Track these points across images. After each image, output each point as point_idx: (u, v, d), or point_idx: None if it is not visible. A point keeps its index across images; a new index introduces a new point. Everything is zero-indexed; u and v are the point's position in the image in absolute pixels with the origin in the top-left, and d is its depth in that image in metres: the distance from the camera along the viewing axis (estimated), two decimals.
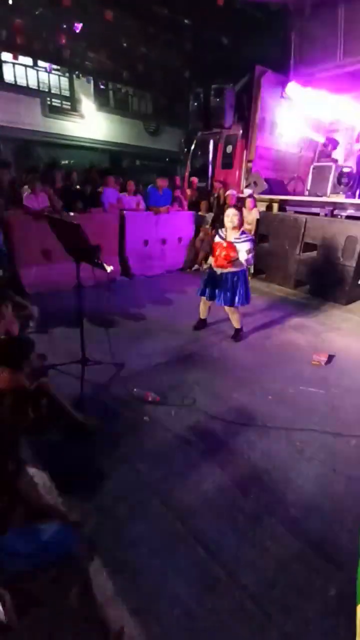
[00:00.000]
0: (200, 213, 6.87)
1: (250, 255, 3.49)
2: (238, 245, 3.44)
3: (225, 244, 3.45)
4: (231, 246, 3.43)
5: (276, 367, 3.33)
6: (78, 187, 6.20)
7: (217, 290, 3.63)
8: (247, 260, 3.51)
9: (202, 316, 3.99)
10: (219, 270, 3.57)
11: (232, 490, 2.00)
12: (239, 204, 6.23)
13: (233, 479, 2.06)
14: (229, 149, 7.85)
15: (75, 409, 2.37)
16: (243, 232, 3.56)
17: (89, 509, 1.79)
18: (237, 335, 3.85)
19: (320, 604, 1.47)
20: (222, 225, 3.65)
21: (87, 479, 2.02)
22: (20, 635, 1.31)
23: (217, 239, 3.61)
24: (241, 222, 3.58)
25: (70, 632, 1.36)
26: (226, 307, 3.70)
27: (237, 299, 3.59)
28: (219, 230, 3.66)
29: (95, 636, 1.35)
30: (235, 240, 3.47)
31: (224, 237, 3.54)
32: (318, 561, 1.64)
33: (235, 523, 1.81)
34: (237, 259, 3.44)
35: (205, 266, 6.11)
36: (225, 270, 3.53)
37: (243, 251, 3.44)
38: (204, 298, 3.77)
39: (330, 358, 3.47)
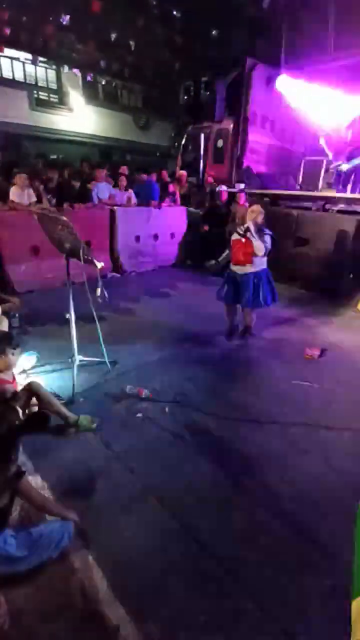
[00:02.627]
0: (190, 208, 6.80)
1: (265, 251, 3.35)
2: (255, 242, 3.33)
3: (244, 241, 3.36)
4: (249, 242, 3.34)
5: (269, 362, 3.34)
6: (69, 182, 6.10)
7: (239, 293, 3.47)
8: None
9: (232, 322, 3.75)
10: (240, 271, 3.44)
11: (226, 485, 1.99)
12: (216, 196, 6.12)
13: (226, 475, 2.06)
14: (220, 143, 7.79)
15: (67, 407, 2.35)
16: (262, 229, 3.39)
17: (83, 508, 1.76)
18: (247, 331, 3.73)
19: (316, 597, 1.48)
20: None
21: (80, 477, 1.99)
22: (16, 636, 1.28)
23: (235, 236, 3.45)
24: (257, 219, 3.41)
25: (65, 632, 1.33)
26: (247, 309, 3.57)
27: (261, 300, 3.43)
28: (238, 227, 3.47)
29: (90, 635, 1.33)
30: (253, 236, 3.34)
31: (243, 233, 3.39)
32: (313, 554, 1.64)
33: (229, 518, 1.80)
34: (257, 256, 3.34)
35: (211, 262, 5.96)
36: (246, 271, 3.41)
37: (261, 246, 3.31)
38: (228, 304, 3.62)
39: (323, 352, 3.49)
